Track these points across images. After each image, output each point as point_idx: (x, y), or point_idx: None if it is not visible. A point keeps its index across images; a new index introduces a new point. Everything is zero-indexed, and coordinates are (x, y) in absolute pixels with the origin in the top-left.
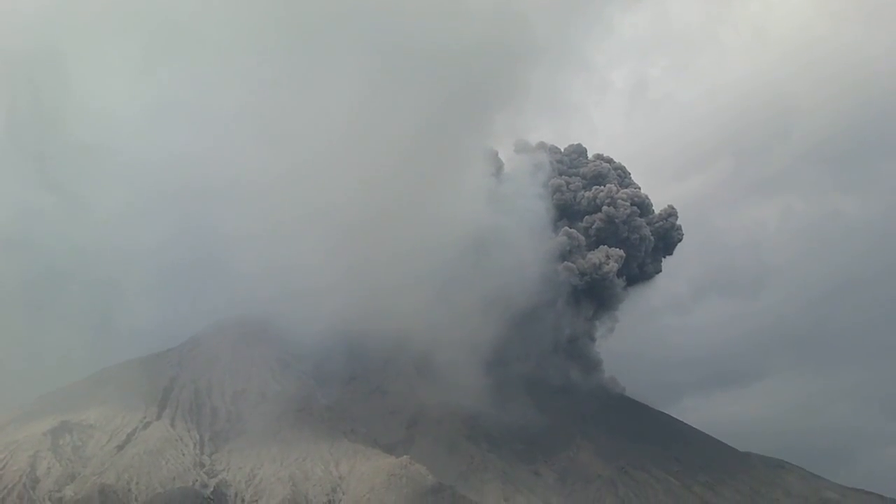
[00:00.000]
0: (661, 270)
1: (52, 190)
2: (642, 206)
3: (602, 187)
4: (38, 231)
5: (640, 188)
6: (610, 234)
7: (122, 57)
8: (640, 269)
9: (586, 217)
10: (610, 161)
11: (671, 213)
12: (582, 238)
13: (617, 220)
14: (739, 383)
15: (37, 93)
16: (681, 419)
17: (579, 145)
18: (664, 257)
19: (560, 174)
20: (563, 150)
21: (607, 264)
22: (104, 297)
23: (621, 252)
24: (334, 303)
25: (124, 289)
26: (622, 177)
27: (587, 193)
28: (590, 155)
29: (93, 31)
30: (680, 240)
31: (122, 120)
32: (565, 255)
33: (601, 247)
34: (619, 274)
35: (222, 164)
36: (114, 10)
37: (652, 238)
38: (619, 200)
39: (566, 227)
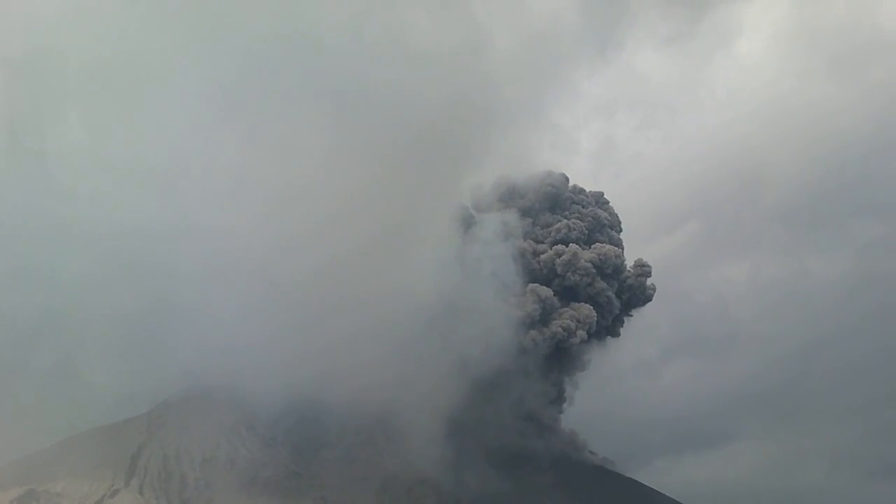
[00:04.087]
0: (619, 335)
1: (13, 256)
2: (605, 269)
3: (565, 247)
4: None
5: (617, 241)
6: (577, 293)
7: (85, 120)
8: (598, 329)
9: (556, 279)
10: (596, 201)
11: (641, 273)
12: (556, 301)
13: (578, 288)
14: (711, 444)
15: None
16: (652, 482)
17: (560, 178)
18: (625, 318)
19: (526, 236)
20: (539, 184)
21: (575, 335)
22: (70, 362)
23: (593, 315)
24: (301, 369)
25: (89, 354)
26: (596, 231)
27: (545, 256)
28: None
29: (55, 96)
30: (643, 304)
31: (85, 185)
32: (534, 323)
33: (572, 304)
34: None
35: (184, 232)
36: (73, 72)
37: (616, 308)
38: (581, 263)
39: (536, 287)
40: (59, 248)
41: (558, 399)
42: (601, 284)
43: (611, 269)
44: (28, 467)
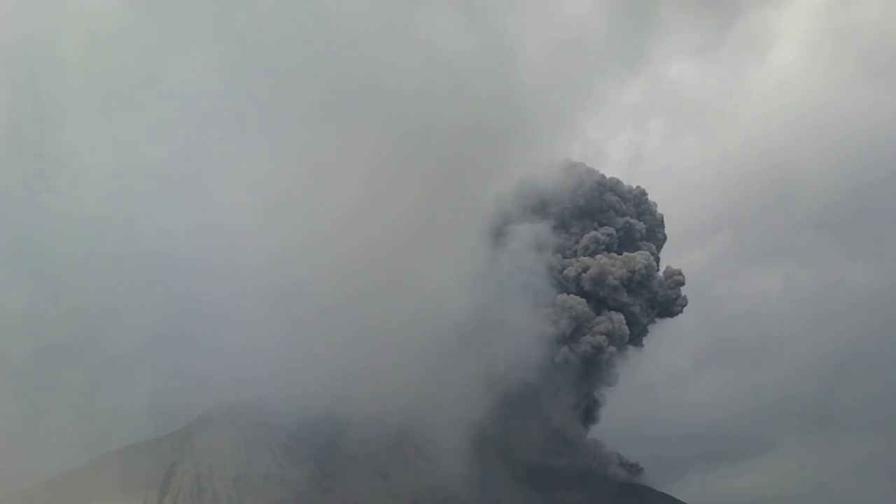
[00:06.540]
0: (642, 345)
1: (39, 264)
2: (632, 280)
3: (593, 259)
4: (34, 306)
5: (650, 250)
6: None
7: (108, 126)
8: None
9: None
10: (636, 206)
11: (672, 284)
12: (589, 311)
13: (608, 299)
14: (744, 456)
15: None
16: (686, 495)
17: (593, 185)
18: (649, 328)
19: (557, 248)
20: (570, 194)
21: (605, 351)
22: (101, 376)
23: (625, 327)
24: (333, 385)
25: (117, 370)
26: (627, 243)
27: (572, 270)
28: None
29: (79, 98)
30: (672, 316)
31: (111, 189)
32: (566, 339)
33: (604, 313)
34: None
35: (214, 237)
36: (97, 79)
37: (643, 321)
38: (609, 280)
39: (566, 299)
40: (80, 254)
41: (588, 416)
42: (625, 298)
43: (636, 285)
44: (61, 486)
